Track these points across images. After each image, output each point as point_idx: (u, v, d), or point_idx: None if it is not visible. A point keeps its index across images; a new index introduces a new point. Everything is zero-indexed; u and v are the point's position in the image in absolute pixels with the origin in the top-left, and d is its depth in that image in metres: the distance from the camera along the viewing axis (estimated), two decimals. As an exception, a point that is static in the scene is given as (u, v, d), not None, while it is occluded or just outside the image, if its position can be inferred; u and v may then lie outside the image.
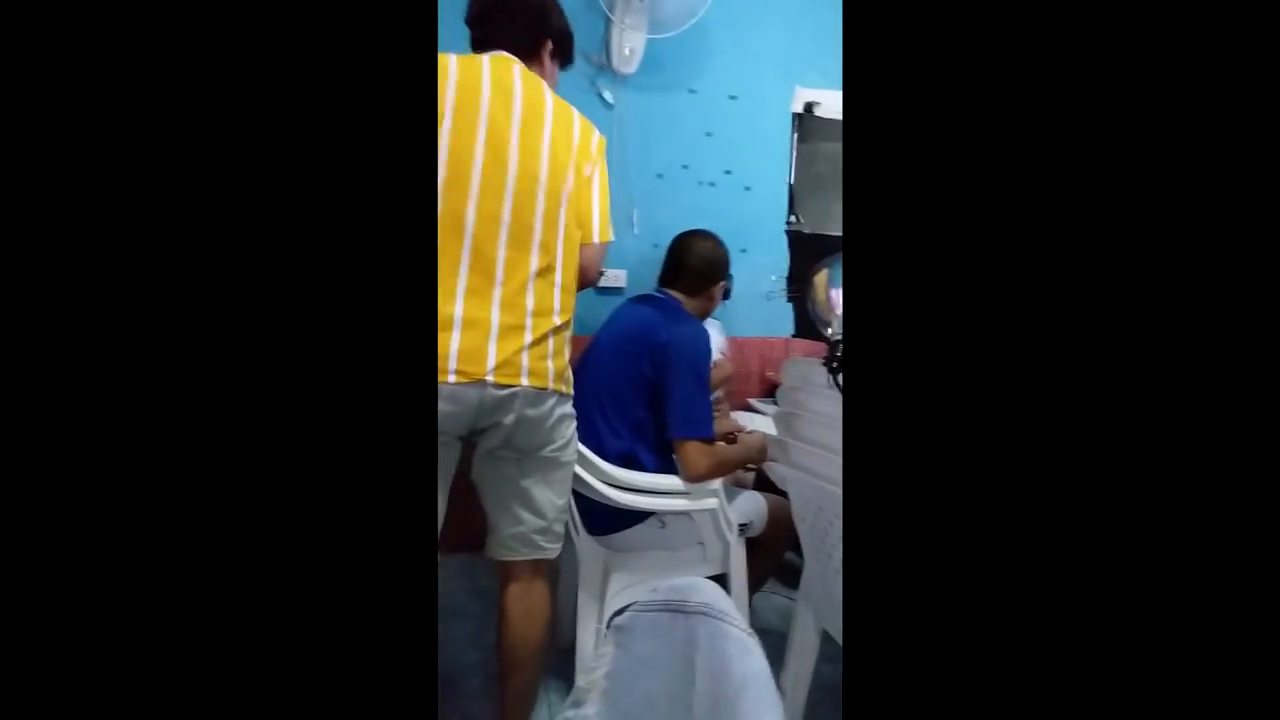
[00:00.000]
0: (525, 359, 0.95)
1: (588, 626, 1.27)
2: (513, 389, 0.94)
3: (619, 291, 1.89)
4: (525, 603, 1.06)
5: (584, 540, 1.30)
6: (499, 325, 0.93)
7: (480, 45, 1.08)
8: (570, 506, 1.29)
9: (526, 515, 1.03)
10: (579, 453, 1.19)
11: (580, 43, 1.74)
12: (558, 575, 1.38)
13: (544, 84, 1.06)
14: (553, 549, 1.07)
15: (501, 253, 0.94)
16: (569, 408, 1.06)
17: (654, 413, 1.25)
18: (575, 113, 1.07)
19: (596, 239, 1.09)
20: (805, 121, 0.79)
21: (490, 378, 0.92)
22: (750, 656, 0.51)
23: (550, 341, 0.99)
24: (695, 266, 1.36)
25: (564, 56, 1.17)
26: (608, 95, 1.80)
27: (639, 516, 1.26)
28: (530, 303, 0.96)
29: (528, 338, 0.95)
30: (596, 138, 1.09)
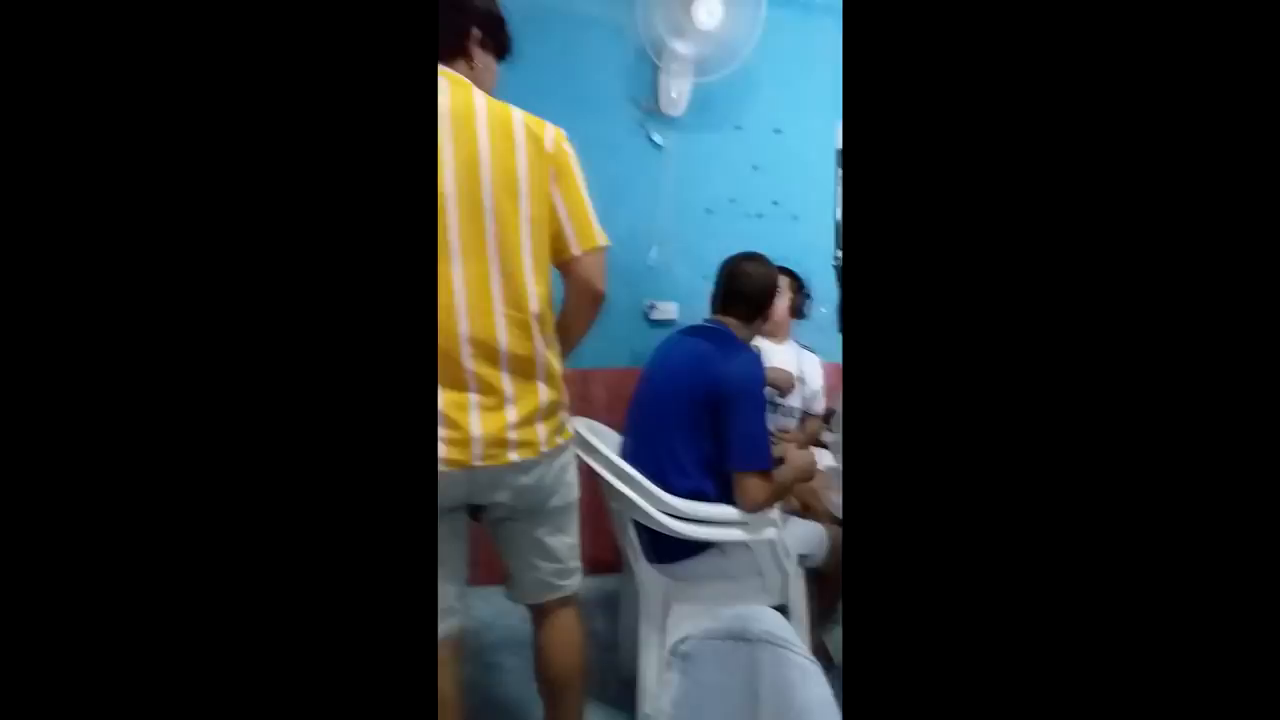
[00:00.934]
0: (512, 435, 0.92)
1: (650, 656, 1.29)
2: (500, 468, 0.92)
3: (671, 324, 1.93)
4: (555, 635, 1.08)
5: (645, 569, 1.32)
6: (479, 410, 0.89)
7: None
8: (630, 535, 1.32)
9: (542, 563, 1.05)
10: (639, 483, 1.23)
11: (629, 89, 1.85)
12: (619, 603, 1.40)
13: (474, 93, 0.91)
14: (571, 585, 1.08)
15: (464, 329, 0.87)
16: (567, 454, 1.04)
17: (716, 445, 1.26)
18: (516, 116, 0.92)
19: (576, 250, 0.96)
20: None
21: (478, 463, 0.90)
22: (813, 683, 0.52)
23: (540, 408, 0.95)
24: (746, 291, 1.34)
25: (498, 45, 1.01)
26: (657, 137, 1.87)
27: (701, 546, 1.27)
28: (508, 384, 0.91)
29: (511, 416, 0.91)
30: (552, 131, 0.94)
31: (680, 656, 0.68)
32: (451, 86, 0.90)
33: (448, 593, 0.97)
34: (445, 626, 0.97)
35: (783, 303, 1.73)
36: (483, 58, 0.98)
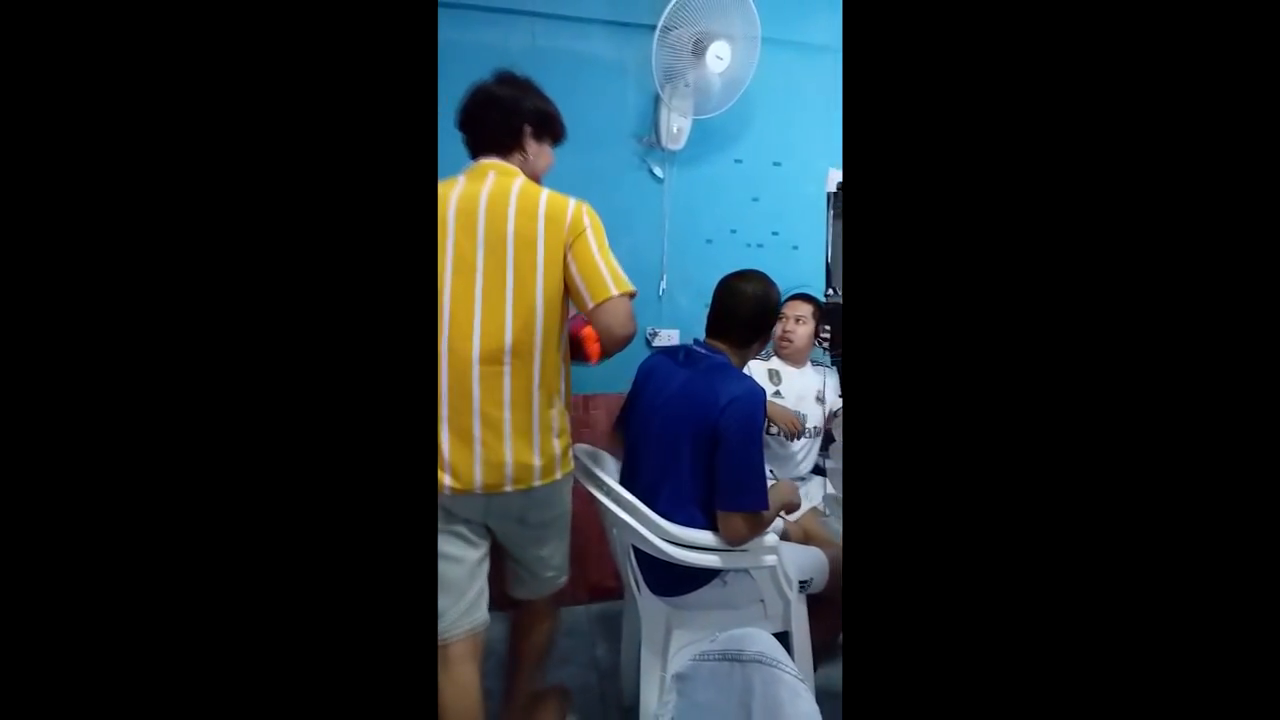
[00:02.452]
0: (510, 471, 1.07)
1: (651, 682, 1.29)
2: (504, 493, 1.08)
3: (674, 351, 1.97)
4: (536, 620, 1.32)
5: (647, 599, 1.33)
6: (480, 447, 1.05)
7: (471, 148, 1.18)
8: (631, 563, 1.33)
9: (543, 569, 1.24)
10: (640, 510, 1.24)
11: (631, 125, 1.91)
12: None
13: (515, 180, 1.11)
14: (563, 579, 1.29)
15: (475, 377, 1.04)
16: (568, 479, 1.21)
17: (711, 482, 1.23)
18: (544, 195, 1.10)
19: (591, 303, 1.09)
20: (839, 199, 0.85)
21: (479, 491, 1.06)
22: (800, 699, 0.54)
23: (535, 443, 1.09)
24: (744, 315, 1.27)
25: (551, 134, 1.21)
26: (658, 171, 1.93)
27: (703, 579, 1.27)
28: (508, 424, 1.06)
29: (508, 456, 1.07)
30: (572, 208, 1.10)
31: (678, 678, 0.69)
32: (496, 175, 1.11)
33: (473, 590, 1.14)
34: (471, 622, 1.13)
35: (805, 330, 1.75)
36: (536, 148, 1.19)
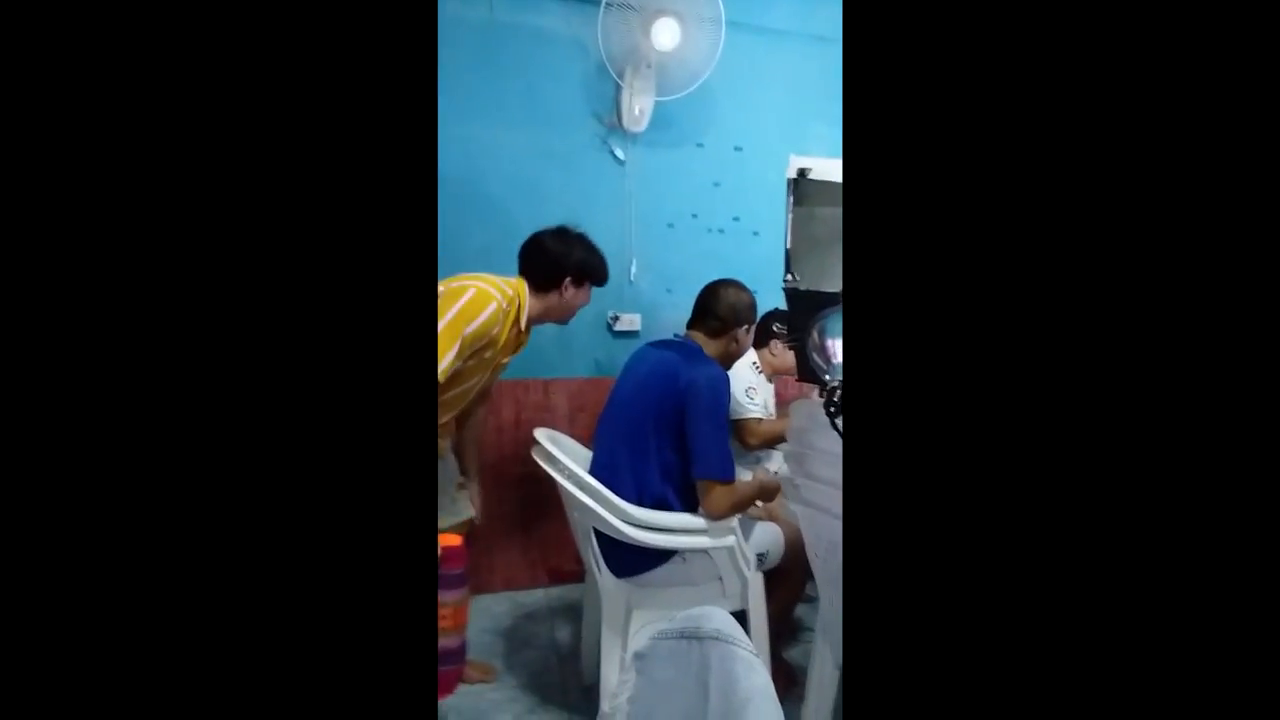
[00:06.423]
0: None
1: (611, 662, 1.31)
2: None
3: (635, 334, 1.97)
4: None
5: (607, 579, 1.35)
6: None
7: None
8: (592, 545, 1.34)
9: None
10: (600, 493, 1.26)
11: (592, 104, 1.89)
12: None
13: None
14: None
15: None
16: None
17: (680, 455, 1.31)
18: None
19: None
20: (799, 186, 0.87)
21: None
22: (755, 673, 0.56)
23: None
24: (717, 310, 1.45)
25: (595, 281, 1.47)
26: (619, 152, 1.92)
27: (662, 558, 1.30)
28: None
29: None
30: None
31: (637, 656, 0.71)
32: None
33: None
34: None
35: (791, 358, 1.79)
36: (573, 290, 1.41)
